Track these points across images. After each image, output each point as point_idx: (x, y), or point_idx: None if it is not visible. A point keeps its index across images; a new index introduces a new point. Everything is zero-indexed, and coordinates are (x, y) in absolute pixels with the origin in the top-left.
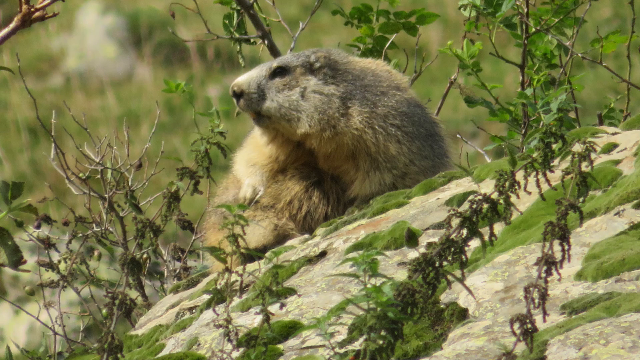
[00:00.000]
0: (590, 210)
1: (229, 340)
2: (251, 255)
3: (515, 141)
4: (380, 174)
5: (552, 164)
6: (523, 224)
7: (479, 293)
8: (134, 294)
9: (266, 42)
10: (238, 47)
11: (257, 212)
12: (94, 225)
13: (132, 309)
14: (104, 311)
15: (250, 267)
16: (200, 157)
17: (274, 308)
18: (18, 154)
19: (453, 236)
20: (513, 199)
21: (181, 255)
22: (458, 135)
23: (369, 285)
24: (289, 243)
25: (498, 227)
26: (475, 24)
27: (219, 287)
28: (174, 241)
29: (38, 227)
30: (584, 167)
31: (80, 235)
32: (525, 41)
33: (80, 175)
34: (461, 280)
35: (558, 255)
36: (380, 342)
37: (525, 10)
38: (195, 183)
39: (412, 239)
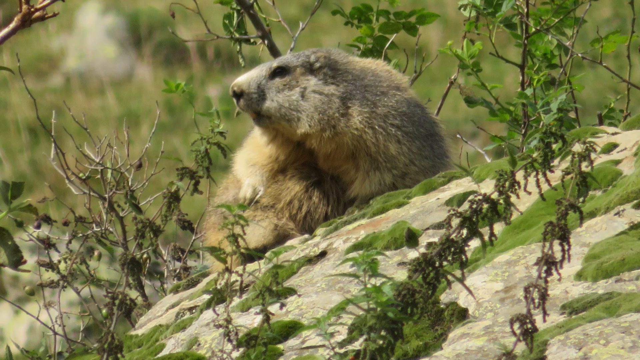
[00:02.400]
0: (590, 210)
1: (229, 340)
2: (251, 255)
3: (515, 141)
4: (380, 174)
5: (552, 164)
6: (523, 224)
7: (479, 293)
8: (134, 294)
9: (266, 42)
10: (238, 47)
11: (257, 212)
12: (94, 225)
13: (132, 309)
14: (104, 311)
15: (250, 267)
16: (200, 157)
17: (274, 308)
18: (18, 154)
19: (453, 236)
20: (513, 199)
21: (181, 255)
22: (458, 135)
23: (369, 285)
24: (289, 243)
25: (498, 227)
26: (475, 24)
27: (219, 287)
28: (174, 241)
29: (38, 227)
30: (584, 167)
31: (80, 235)
32: (525, 41)
33: (80, 175)
34: (461, 280)
35: (558, 255)
36: (380, 342)
37: (525, 10)
38: (195, 183)
39: (412, 239)
